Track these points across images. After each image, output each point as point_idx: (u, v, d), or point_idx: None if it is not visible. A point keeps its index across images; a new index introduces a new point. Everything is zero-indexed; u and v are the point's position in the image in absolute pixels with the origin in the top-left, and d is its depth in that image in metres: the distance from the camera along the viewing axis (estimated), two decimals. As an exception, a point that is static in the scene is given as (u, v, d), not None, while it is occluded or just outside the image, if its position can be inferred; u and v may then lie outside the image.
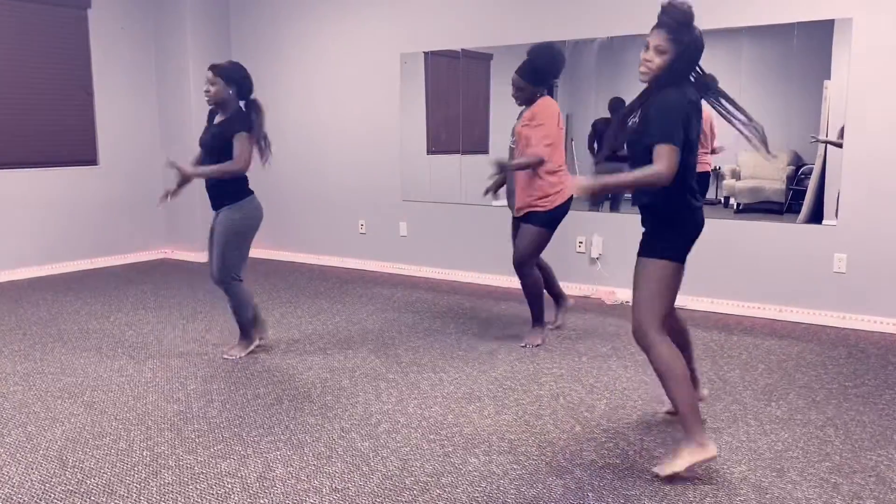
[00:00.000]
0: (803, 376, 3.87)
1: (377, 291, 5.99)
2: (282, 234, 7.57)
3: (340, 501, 2.57)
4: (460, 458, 2.90)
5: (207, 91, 3.97)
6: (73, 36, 6.80)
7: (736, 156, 5.39)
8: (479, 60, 6.21)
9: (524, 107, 4.31)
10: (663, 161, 2.54)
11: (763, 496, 2.59)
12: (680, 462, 2.67)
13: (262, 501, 2.57)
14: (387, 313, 5.25)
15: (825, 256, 4.85)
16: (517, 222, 4.40)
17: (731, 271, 5.19)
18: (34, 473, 2.80)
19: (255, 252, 7.74)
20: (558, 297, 4.74)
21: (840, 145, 4.72)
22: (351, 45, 6.82)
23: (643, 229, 2.83)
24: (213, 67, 4.00)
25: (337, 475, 2.77)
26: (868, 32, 4.58)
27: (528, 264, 4.29)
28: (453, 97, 6.35)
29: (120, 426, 3.25)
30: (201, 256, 7.35)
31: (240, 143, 3.88)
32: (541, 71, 4.18)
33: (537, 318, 4.42)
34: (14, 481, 2.74)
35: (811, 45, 4.81)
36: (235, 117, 3.95)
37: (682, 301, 5.30)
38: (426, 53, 6.38)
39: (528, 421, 3.27)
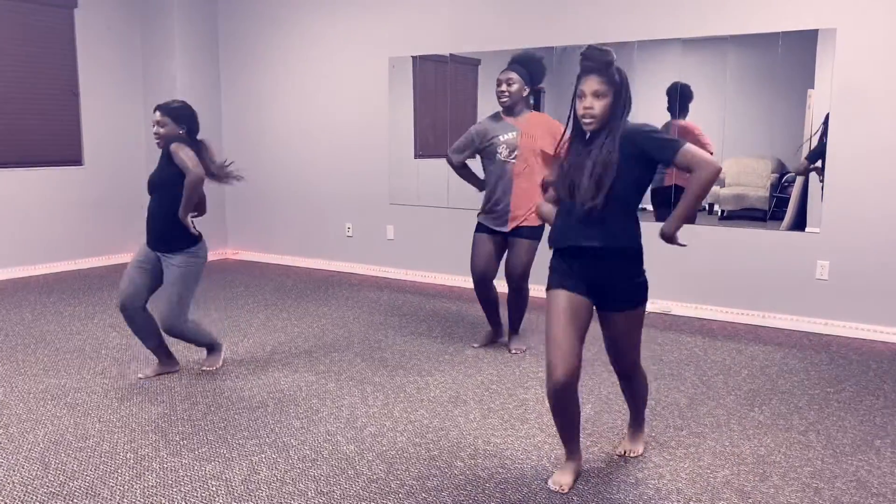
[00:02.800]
0: (786, 382, 3.91)
1: (364, 294, 5.98)
2: (268, 236, 7.55)
3: (326, 504, 2.57)
4: (446, 462, 2.91)
5: (157, 133, 3.74)
6: (59, 35, 6.75)
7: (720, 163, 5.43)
8: (466, 66, 6.23)
9: (508, 115, 4.12)
10: (699, 153, 2.48)
11: (745, 500, 2.62)
12: (641, 445, 3.02)
13: (246, 504, 2.56)
14: (373, 316, 5.25)
15: (808, 263, 4.90)
16: (500, 237, 4.22)
17: (714, 277, 5.23)
18: (16, 475, 2.78)
19: (242, 254, 7.73)
20: (498, 325, 4.51)
21: (820, 176, 4.82)
22: (339, 48, 6.82)
23: (608, 277, 2.61)
24: (160, 108, 3.75)
25: (322, 478, 2.76)
26: (851, 43, 4.64)
27: (528, 277, 4.21)
28: (441, 102, 6.37)
29: (103, 428, 3.23)
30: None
31: (179, 151, 3.62)
32: (536, 73, 4.14)
33: (518, 326, 4.40)
34: (-5, 483, 2.71)
35: (795, 54, 4.87)
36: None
37: (667, 306, 5.35)
38: (414, 58, 6.40)
39: (514, 425, 3.28)
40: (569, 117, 2.63)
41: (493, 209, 4.20)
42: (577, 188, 2.55)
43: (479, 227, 4.30)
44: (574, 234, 2.58)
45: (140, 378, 3.88)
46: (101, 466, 2.85)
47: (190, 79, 7.33)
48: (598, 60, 2.51)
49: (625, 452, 2.97)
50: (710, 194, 5.34)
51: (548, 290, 2.64)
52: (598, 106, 2.51)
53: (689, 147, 2.47)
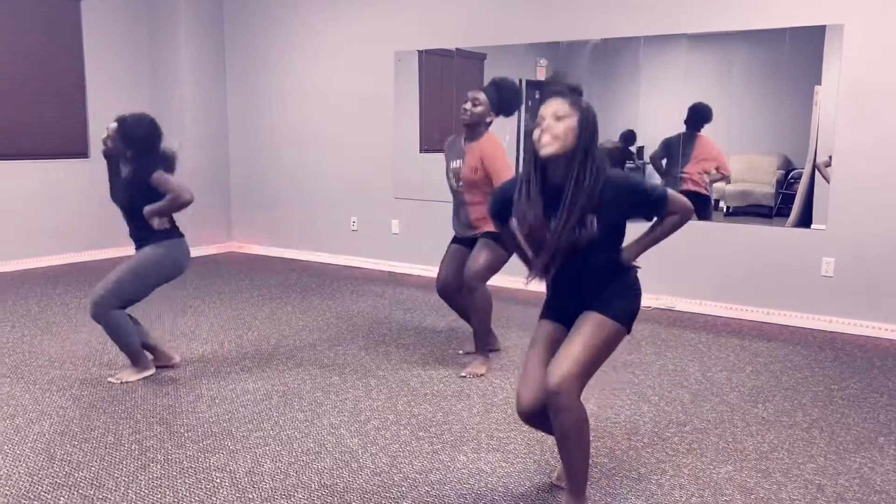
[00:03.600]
0: (790, 379, 3.91)
1: (368, 288, 5.99)
2: (273, 229, 7.57)
3: (329, 497, 2.58)
4: (449, 456, 2.92)
5: (105, 144, 3.69)
6: (65, 27, 6.77)
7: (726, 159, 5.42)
8: (472, 60, 6.22)
9: (468, 137, 3.92)
10: (678, 202, 2.35)
11: (748, 497, 2.62)
12: None
13: (250, 496, 2.58)
14: (377, 310, 5.26)
15: (813, 260, 4.89)
16: (462, 244, 4.05)
17: (719, 273, 5.22)
18: (21, 466, 2.80)
19: (247, 248, 7.74)
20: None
21: (826, 179, 4.81)
22: (345, 42, 6.82)
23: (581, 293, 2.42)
24: (120, 123, 3.62)
25: (326, 471, 2.77)
26: (859, 39, 4.62)
27: (483, 279, 3.84)
28: (447, 96, 6.36)
29: (109, 420, 3.25)
30: (190, 249, 7.32)
31: (165, 183, 3.55)
32: (505, 102, 3.93)
33: (483, 341, 3.99)
34: (1, 473, 2.73)
35: (802, 50, 4.85)
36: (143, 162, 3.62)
37: (671, 302, 5.34)
38: (420, 52, 6.39)
39: (517, 420, 3.29)
40: (516, 158, 2.38)
41: (458, 221, 4.06)
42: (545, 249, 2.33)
43: (452, 239, 4.14)
44: (566, 307, 2.42)
45: (111, 381, 3.74)
46: (107, 457, 2.87)
47: (196, 71, 7.34)
48: (559, 84, 2.32)
49: None
50: (716, 190, 5.34)
51: (539, 318, 2.54)
52: (559, 127, 2.23)
53: (672, 194, 2.35)
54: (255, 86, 7.48)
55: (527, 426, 3.21)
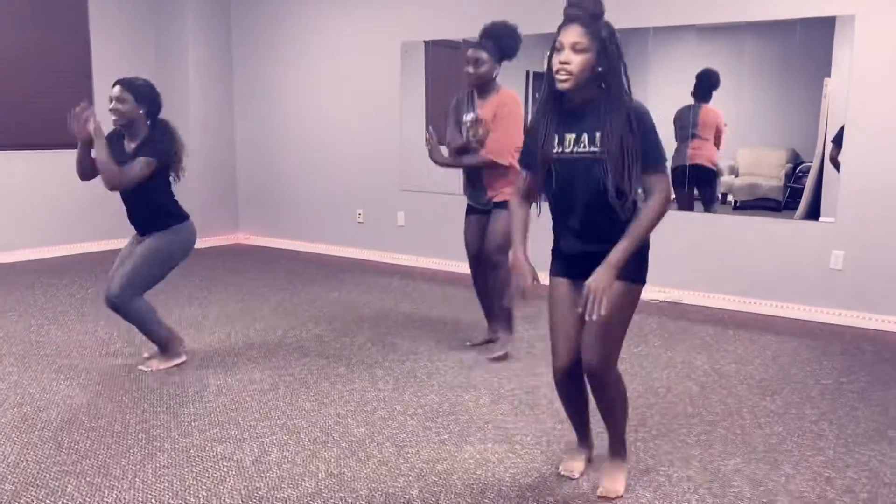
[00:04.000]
0: (798, 371, 3.89)
1: (374, 280, 5.98)
2: (279, 221, 7.56)
3: (336, 486, 2.58)
4: (456, 446, 2.91)
5: (116, 111, 3.51)
6: (72, 20, 6.77)
7: (734, 152, 5.40)
8: (480, 51, 6.19)
9: (480, 95, 3.86)
10: (664, 185, 2.27)
11: (757, 488, 2.61)
12: (622, 481, 2.56)
13: (257, 485, 2.58)
14: (383, 302, 5.26)
15: (822, 253, 4.86)
16: (478, 213, 4.00)
17: (727, 266, 5.20)
18: (30, 454, 2.80)
19: (253, 240, 7.75)
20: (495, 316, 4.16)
21: (836, 166, 4.75)
22: (352, 32, 6.80)
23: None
24: (121, 83, 3.53)
25: (333, 460, 2.77)
26: (870, 29, 4.58)
27: (505, 251, 3.69)
28: (453, 88, 6.32)
29: (115, 409, 3.25)
30: (197, 241, 7.32)
31: (140, 165, 3.47)
32: (507, 48, 3.82)
33: (509, 322, 4.01)
34: (10, 461, 2.74)
35: (813, 42, 4.81)
36: (148, 143, 3.55)
37: (679, 295, 5.33)
38: (427, 43, 6.37)
39: (524, 411, 3.28)
40: (543, 79, 2.33)
41: (471, 187, 3.98)
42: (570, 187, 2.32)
43: (468, 209, 4.11)
44: (573, 243, 2.40)
45: (141, 369, 3.76)
46: (114, 446, 2.87)
47: (203, 62, 7.33)
48: (582, 8, 2.23)
49: (604, 494, 2.52)
50: (724, 183, 5.32)
51: (550, 274, 2.52)
52: (577, 61, 2.20)
53: (662, 173, 2.29)
54: (262, 77, 7.47)
55: (537, 418, 3.20)
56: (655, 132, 2.28)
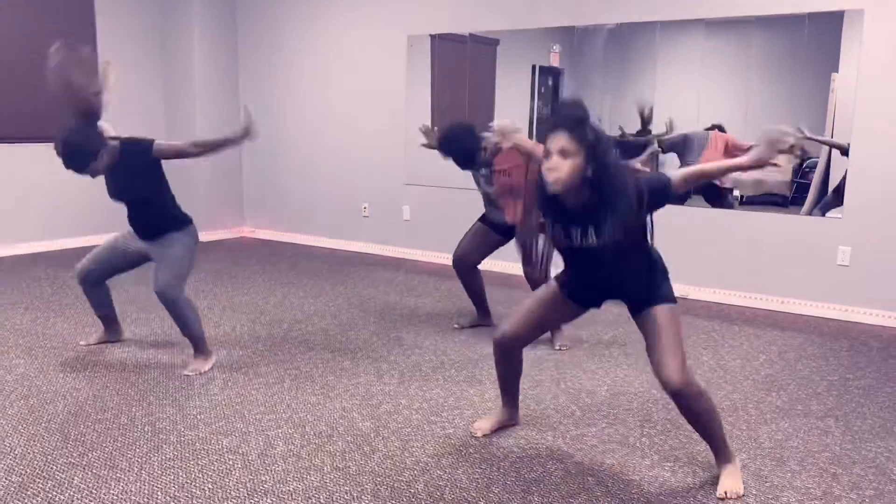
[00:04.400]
0: (804, 367, 3.88)
1: (379, 274, 5.98)
2: (285, 215, 7.57)
3: (341, 480, 2.58)
4: (461, 440, 2.91)
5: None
6: (78, 11, 6.76)
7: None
8: (485, 45, 6.18)
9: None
10: (689, 174, 2.46)
11: (763, 484, 2.60)
12: (740, 481, 2.58)
13: (263, 478, 2.58)
14: (389, 296, 5.26)
15: (829, 249, 4.84)
16: (489, 226, 4.23)
17: (734, 262, 5.18)
18: (36, 446, 2.81)
19: (259, 233, 7.75)
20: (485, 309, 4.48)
21: (843, 151, 4.72)
22: (357, 25, 6.78)
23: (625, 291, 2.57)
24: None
25: (338, 454, 2.77)
26: (879, 24, 4.55)
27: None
28: (459, 81, 6.32)
29: (122, 401, 3.26)
30: (203, 234, 7.32)
31: (168, 143, 3.57)
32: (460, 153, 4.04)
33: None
34: (16, 453, 2.75)
35: (821, 36, 4.78)
36: (124, 143, 3.52)
37: (685, 290, 5.31)
38: (433, 36, 6.35)
39: (529, 405, 3.28)
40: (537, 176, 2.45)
41: (490, 203, 4.22)
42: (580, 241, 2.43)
43: (483, 217, 4.30)
44: (589, 293, 2.65)
45: (82, 345, 3.99)
46: (120, 438, 2.88)
47: (208, 56, 7.32)
48: (566, 116, 2.36)
49: (725, 495, 2.51)
50: (731, 178, 5.28)
51: (554, 279, 2.72)
52: (565, 167, 2.30)
53: (675, 179, 2.40)
54: (267, 71, 7.46)
55: (542, 413, 3.19)
56: (655, 177, 2.52)
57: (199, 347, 3.71)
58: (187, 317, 3.62)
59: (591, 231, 2.38)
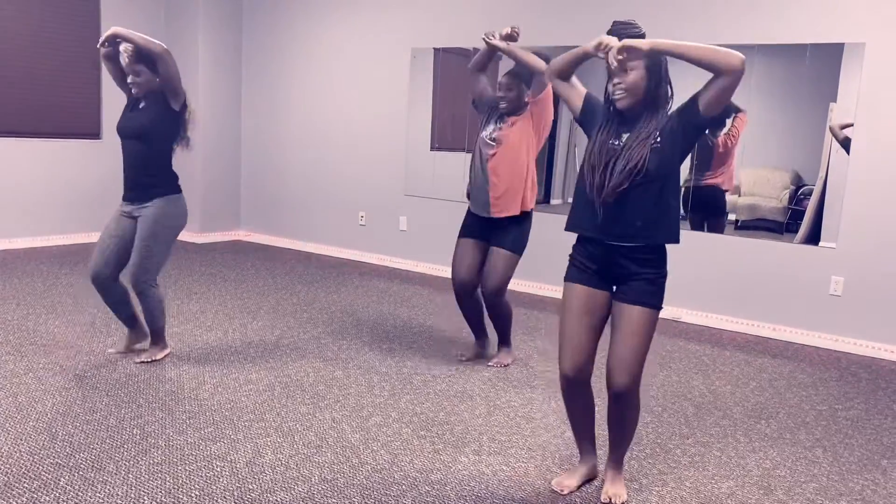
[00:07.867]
0: (794, 396, 3.89)
1: (374, 284, 5.98)
2: (281, 220, 7.56)
3: (329, 492, 2.57)
4: (450, 456, 2.91)
5: (136, 83, 3.69)
6: (83, 6, 6.77)
7: (738, 172, 5.40)
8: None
9: (500, 117, 3.87)
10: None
11: (749, 513, 2.61)
12: (624, 489, 2.66)
13: (250, 486, 2.57)
14: (382, 306, 5.25)
15: (822, 278, 4.87)
16: (472, 236, 3.93)
17: (726, 287, 5.20)
18: (23, 445, 2.79)
19: (254, 237, 7.74)
20: (484, 333, 4.19)
21: (846, 147, 4.75)
22: (362, 37, 6.80)
23: (628, 268, 2.47)
24: (136, 53, 3.63)
25: (326, 465, 2.77)
26: (880, 58, 4.59)
27: (504, 291, 3.87)
28: (461, 95, 6.34)
29: (111, 402, 3.24)
30: (198, 236, 7.33)
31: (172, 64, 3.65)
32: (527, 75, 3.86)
33: (507, 336, 4.10)
34: (2, 451, 2.73)
35: (821, 67, 4.83)
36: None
37: (676, 314, 5.33)
38: (436, 49, 6.38)
39: (519, 423, 3.28)
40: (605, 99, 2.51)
41: (476, 194, 3.90)
42: (595, 174, 2.41)
43: (463, 230, 4.00)
44: (593, 225, 2.45)
45: (111, 352, 3.90)
46: (108, 440, 2.87)
47: (212, 59, 7.33)
48: (623, 34, 2.40)
49: (609, 500, 2.60)
50: (728, 202, 5.31)
51: (565, 279, 2.58)
52: (629, 79, 2.38)
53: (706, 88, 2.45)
54: (270, 76, 7.47)
55: (532, 431, 3.19)
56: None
57: (158, 337, 3.84)
58: (154, 309, 3.74)
59: (643, 129, 2.40)
